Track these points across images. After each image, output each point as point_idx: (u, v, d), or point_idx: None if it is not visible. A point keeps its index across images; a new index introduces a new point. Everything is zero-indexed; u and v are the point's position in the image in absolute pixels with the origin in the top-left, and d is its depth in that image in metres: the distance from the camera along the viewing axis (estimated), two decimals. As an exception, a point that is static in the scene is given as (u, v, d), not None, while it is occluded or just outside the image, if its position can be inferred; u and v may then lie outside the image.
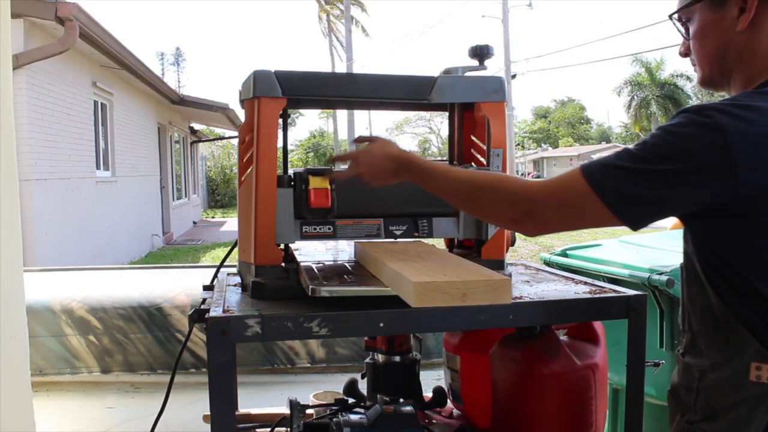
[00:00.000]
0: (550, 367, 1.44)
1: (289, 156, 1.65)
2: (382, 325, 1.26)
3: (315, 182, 1.38)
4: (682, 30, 1.24)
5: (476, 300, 1.07)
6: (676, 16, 1.23)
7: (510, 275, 1.44)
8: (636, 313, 1.37)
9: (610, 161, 1.06)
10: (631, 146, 1.07)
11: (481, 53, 1.53)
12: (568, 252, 2.63)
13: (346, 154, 1.44)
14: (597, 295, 1.42)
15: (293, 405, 1.53)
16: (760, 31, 1.12)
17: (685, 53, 1.26)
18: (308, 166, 1.58)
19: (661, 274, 2.06)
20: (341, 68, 32.10)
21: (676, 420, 1.15)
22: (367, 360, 1.69)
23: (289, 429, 1.52)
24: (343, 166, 1.42)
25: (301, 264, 1.42)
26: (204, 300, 1.48)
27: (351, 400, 1.65)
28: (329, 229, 1.42)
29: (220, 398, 1.19)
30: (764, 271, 1.03)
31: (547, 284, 1.54)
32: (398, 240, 1.48)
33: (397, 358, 1.65)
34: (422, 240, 1.51)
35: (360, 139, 1.40)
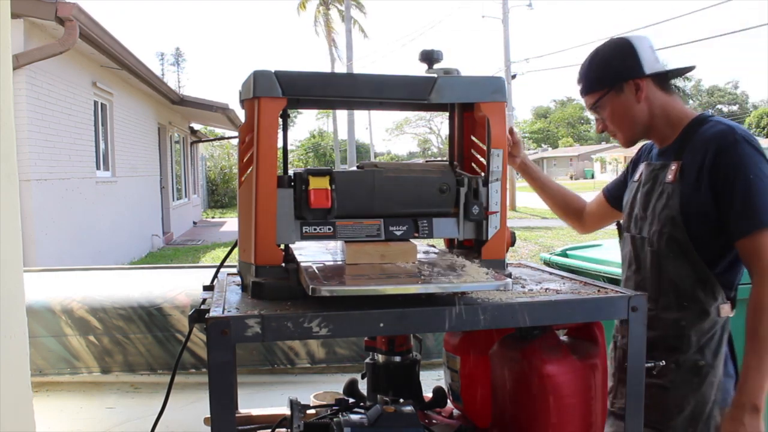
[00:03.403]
0: (550, 367, 1.44)
1: (289, 156, 1.65)
2: (382, 325, 1.26)
3: (315, 182, 1.38)
4: (597, 115, 1.80)
5: (391, 258, 1.43)
6: (593, 107, 1.77)
7: (510, 275, 1.44)
8: (636, 313, 1.37)
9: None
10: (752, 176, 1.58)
11: (429, 57, 1.54)
12: (568, 252, 2.63)
13: None
14: (597, 295, 1.42)
15: (294, 405, 1.53)
16: (655, 102, 1.74)
17: (602, 129, 1.81)
18: (308, 167, 1.58)
19: (661, 274, 2.06)
20: (340, 69, 32.10)
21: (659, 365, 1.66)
22: (367, 360, 1.69)
23: (289, 429, 1.52)
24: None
25: (302, 264, 1.42)
26: (204, 300, 1.48)
27: (351, 400, 1.65)
28: (329, 229, 1.42)
29: (220, 398, 1.19)
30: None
31: (547, 284, 1.54)
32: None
33: (397, 359, 1.65)
34: (411, 241, 1.51)
35: None
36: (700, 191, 1.62)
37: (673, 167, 1.67)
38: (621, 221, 1.90)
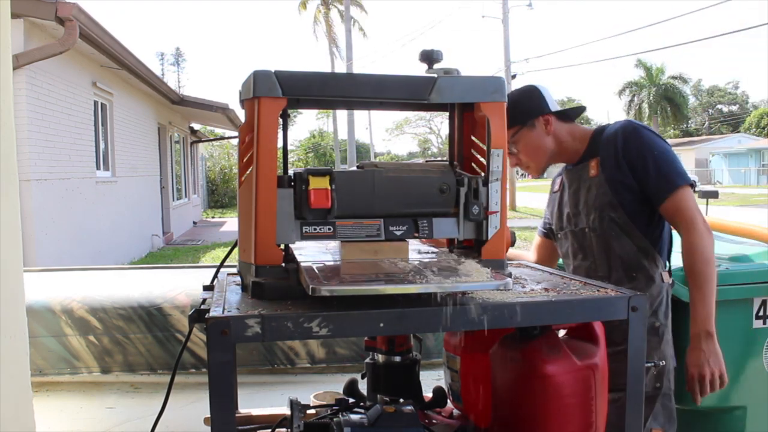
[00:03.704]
0: (550, 367, 1.44)
1: (289, 156, 1.65)
2: (382, 325, 1.26)
3: (315, 182, 1.38)
4: (512, 150, 2.06)
5: (384, 254, 1.45)
6: (509, 147, 2.01)
7: (510, 275, 1.44)
8: (636, 313, 1.37)
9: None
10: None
11: (429, 57, 1.54)
12: (568, 252, 2.64)
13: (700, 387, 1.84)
14: (597, 295, 1.42)
15: (294, 405, 1.53)
16: (560, 130, 2.09)
17: (516, 164, 2.11)
18: (308, 167, 1.58)
19: (661, 274, 2.07)
20: (340, 69, 32.08)
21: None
22: (367, 360, 1.69)
23: (289, 429, 1.52)
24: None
25: (302, 264, 1.42)
26: (204, 300, 1.48)
27: (351, 400, 1.65)
28: (329, 229, 1.42)
29: (220, 398, 1.19)
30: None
31: (547, 284, 1.54)
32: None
33: (397, 358, 1.65)
34: (412, 241, 1.51)
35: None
36: (622, 172, 1.94)
37: (593, 163, 2.00)
38: (552, 227, 2.21)
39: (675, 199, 1.89)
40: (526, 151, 2.07)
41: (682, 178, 1.90)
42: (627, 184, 1.94)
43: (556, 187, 2.18)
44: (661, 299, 1.95)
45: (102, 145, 10.05)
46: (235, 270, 1.64)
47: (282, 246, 1.44)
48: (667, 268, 2.01)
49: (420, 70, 1.55)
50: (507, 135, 1.76)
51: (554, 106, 2.09)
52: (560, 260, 2.26)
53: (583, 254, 2.05)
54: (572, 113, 2.12)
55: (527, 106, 2.06)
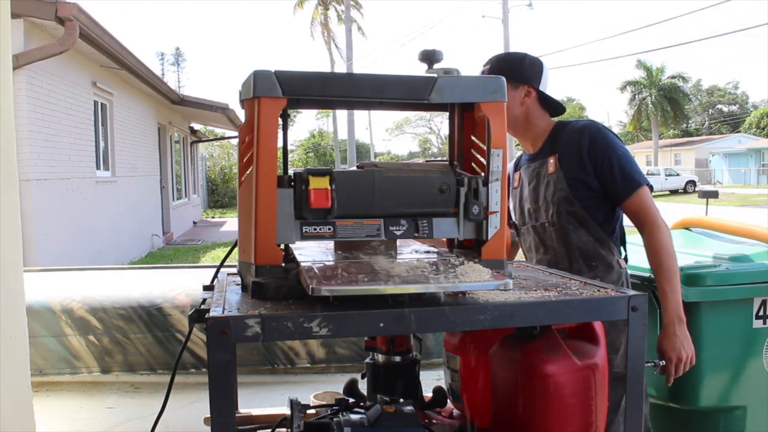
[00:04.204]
0: (550, 367, 1.44)
1: (289, 156, 1.65)
2: (382, 325, 1.26)
3: (315, 182, 1.38)
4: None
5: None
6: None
7: (510, 275, 1.44)
8: (636, 313, 1.37)
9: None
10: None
11: (429, 57, 1.54)
12: (568, 252, 2.64)
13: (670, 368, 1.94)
14: (597, 295, 1.42)
15: (294, 405, 1.53)
16: (534, 111, 2.14)
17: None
18: (308, 166, 1.58)
19: (661, 274, 2.07)
20: (340, 69, 32.09)
21: None
22: (367, 360, 1.69)
23: (289, 429, 1.52)
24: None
25: (302, 264, 1.42)
26: (204, 300, 1.48)
27: (351, 400, 1.65)
28: (329, 229, 1.41)
29: (220, 398, 1.19)
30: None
31: (547, 284, 1.54)
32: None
33: (397, 358, 1.65)
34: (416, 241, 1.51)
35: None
36: (584, 170, 2.03)
37: (551, 161, 2.08)
38: (514, 221, 2.28)
39: (637, 198, 2.01)
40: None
41: (643, 178, 2.03)
42: (586, 182, 2.03)
43: (516, 183, 2.25)
44: (621, 283, 2.08)
45: (102, 145, 10.05)
46: (235, 270, 1.64)
47: (282, 246, 1.44)
48: (623, 255, 2.13)
49: (420, 70, 1.55)
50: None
51: (544, 88, 2.14)
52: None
53: (544, 248, 2.13)
54: (554, 104, 2.17)
55: (523, 70, 2.11)
